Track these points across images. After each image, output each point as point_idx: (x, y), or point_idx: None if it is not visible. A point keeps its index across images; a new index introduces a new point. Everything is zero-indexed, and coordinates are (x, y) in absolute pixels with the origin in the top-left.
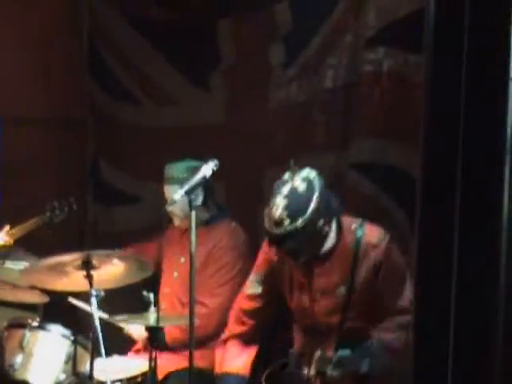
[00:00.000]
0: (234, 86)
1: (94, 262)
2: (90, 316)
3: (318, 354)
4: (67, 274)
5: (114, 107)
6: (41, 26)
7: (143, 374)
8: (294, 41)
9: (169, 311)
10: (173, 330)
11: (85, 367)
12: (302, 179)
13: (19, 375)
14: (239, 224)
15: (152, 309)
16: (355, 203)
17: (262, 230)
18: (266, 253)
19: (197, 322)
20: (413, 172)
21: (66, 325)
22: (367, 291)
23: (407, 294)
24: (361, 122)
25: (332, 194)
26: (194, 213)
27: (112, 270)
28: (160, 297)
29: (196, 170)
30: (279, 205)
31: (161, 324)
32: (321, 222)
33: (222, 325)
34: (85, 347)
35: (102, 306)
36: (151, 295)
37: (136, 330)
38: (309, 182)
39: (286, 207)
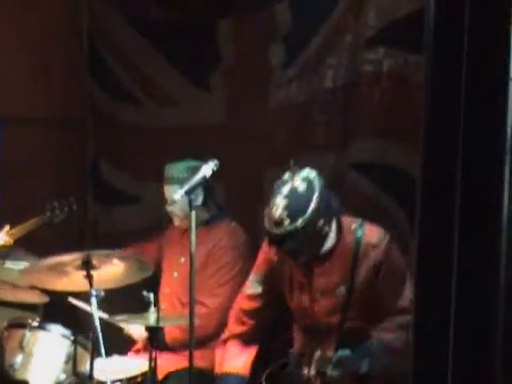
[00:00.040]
0: (234, 86)
1: (94, 262)
2: (89, 316)
3: (317, 354)
4: (67, 274)
5: (114, 107)
6: (41, 26)
7: (143, 374)
8: (294, 41)
9: (169, 311)
10: (173, 330)
11: (85, 367)
12: (301, 179)
13: (19, 375)
14: (239, 224)
15: (152, 309)
16: (355, 203)
17: (262, 229)
18: (265, 253)
19: (197, 321)
20: (413, 172)
21: (65, 325)
22: (367, 291)
23: (407, 294)
24: (361, 122)
25: (332, 193)
26: (193, 213)
27: (112, 270)
28: (160, 297)
29: (196, 170)
30: (279, 205)
31: (161, 324)
32: (321, 222)
33: (222, 325)
34: (85, 347)
35: (102, 305)
36: (151, 295)
37: (136, 330)
38: (309, 182)
39: (286, 207)
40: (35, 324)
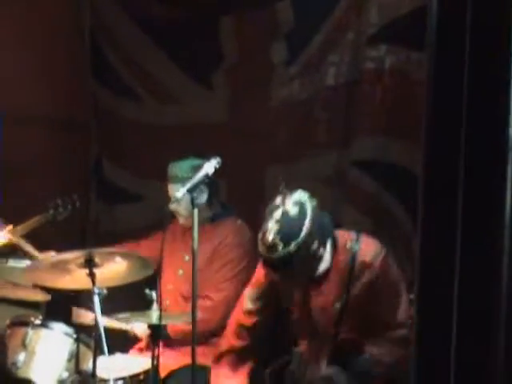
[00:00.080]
0: (236, 84)
1: (97, 260)
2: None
3: (309, 371)
4: (70, 272)
5: (116, 105)
6: (43, 25)
7: (146, 372)
8: (296, 39)
9: (172, 307)
10: None
11: (87, 365)
12: (293, 203)
13: (22, 373)
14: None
15: (154, 306)
16: (357, 201)
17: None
18: (264, 268)
19: (201, 315)
20: (415, 170)
21: (68, 323)
22: (361, 306)
23: (402, 309)
24: (363, 120)
25: (325, 213)
26: (196, 210)
27: (114, 268)
28: (163, 293)
29: (199, 168)
30: (271, 229)
31: (163, 322)
32: (315, 244)
33: (225, 320)
34: (87, 345)
35: (104, 304)
36: (153, 293)
37: (139, 327)
38: (300, 206)
39: (279, 232)
40: (38, 322)
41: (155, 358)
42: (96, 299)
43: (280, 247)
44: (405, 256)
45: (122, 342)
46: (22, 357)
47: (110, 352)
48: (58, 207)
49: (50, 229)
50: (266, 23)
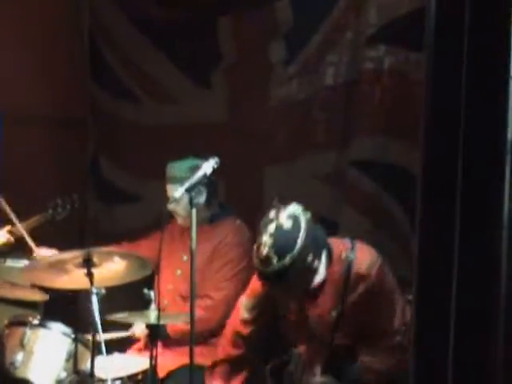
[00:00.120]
0: (235, 84)
1: (95, 259)
2: (90, 314)
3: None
4: (68, 272)
5: (114, 106)
6: (41, 25)
7: (144, 372)
8: (295, 38)
9: (170, 307)
10: None
11: (86, 365)
12: (287, 216)
13: (20, 373)
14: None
15: (152, 306)
16: (356, 201)
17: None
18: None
19: (201, 314)
20: (413, 170)
21: (66, 323)
22: (357, 314)
23: (396, 317)
24: (361, 120)
25: (319, 226)
26: (194, 210)
27: (113, 268)
28: (162, 293)
29: (198, 168)
30: (266, 243)
31: (161, 322)
32: (309, 257)
33: (225, 319)
34: (85, 345)
35: (102, 303)
36: (151, 293)
37: (138, 327)
38: (294, 219)
39: (273, 245)
40: (36, 322)
41: (153, 358)
42: (94, 299)
43: (274, 261)
44: (403, 256)
45: (120, 341)
46: (20, 357)
47: (108, 352)
48: (57, 207)
49: (48, 228)
50: (264, 23)
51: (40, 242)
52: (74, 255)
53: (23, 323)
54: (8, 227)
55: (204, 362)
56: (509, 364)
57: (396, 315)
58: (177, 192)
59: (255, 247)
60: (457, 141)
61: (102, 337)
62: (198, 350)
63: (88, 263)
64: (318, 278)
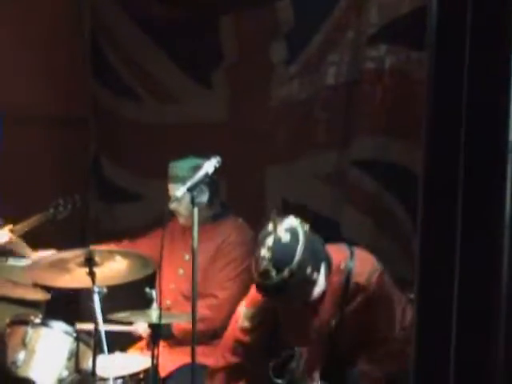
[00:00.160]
0: (236, 84)
1: (97, 258)
2: (91, 313)
3: None
4: (69, 271)
5: (116, 105)
6: (43, 24)
7: (145, 371)
8: (296, 38)
9: (173, 307)
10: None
11: (87, 364)
12: (285, 229)
13: (22, 372)
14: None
15: (154, 305)
16: (357, 201)
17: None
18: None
19: (206, 313)
20: (415, 169)
21: (68, 322)
22: (357, 321)
23: (395, 324)
24: (363, 120)
25: (317, 237)
26: (196, 210)
27: (115, 267)
28: (163, 293)
29: (199, 167)
30: (264, 256)
31: (163, 321)
32: (308, 270)
33: (229, 319)
34: (87, 344)
35: (104, 302)
36: (153, 292)
37: (141, 326)
38: (292, 232)
39: (271, 258)
40: (37, 321)
41: (155, 357)
42: (96, 298)
43: (273, 274)
44: (404, 255)
45: (121, 340)
46: (21, 356)
47: (110, 351)
48: (58, 206)
49: (49, 228)
50: (265, 22)
51: (41, 241)
52: (76, 254)
53: (25, 322)
54: (9, 226)
55: (206, 361)
56: (509, 364)
57: (395, 322)
58: (179, 191)
59: (253, 260)
60: (458, 140)
61: (104, 331)
62: (199, 349)
63: (90, 262)
64: (318, 289)
